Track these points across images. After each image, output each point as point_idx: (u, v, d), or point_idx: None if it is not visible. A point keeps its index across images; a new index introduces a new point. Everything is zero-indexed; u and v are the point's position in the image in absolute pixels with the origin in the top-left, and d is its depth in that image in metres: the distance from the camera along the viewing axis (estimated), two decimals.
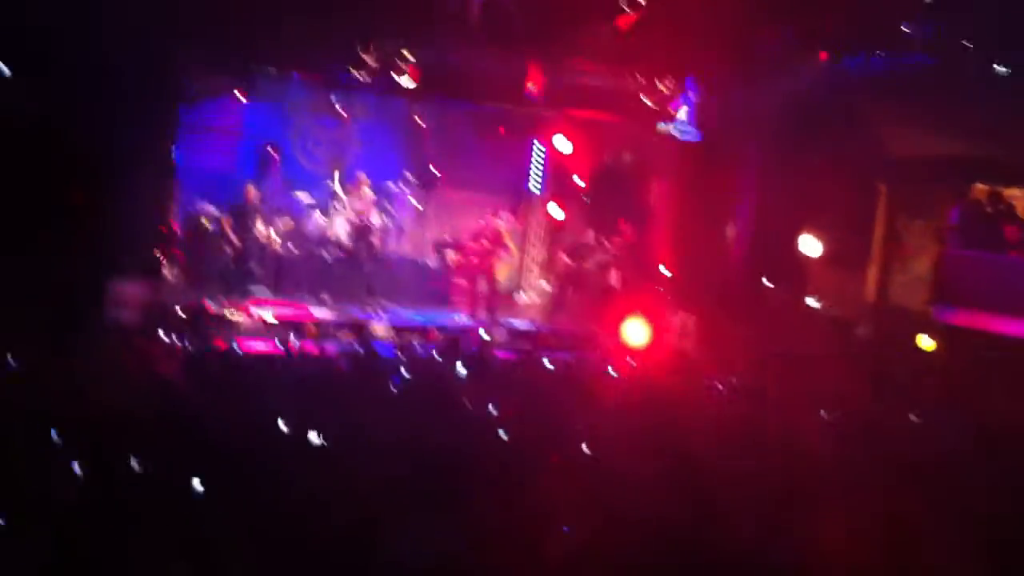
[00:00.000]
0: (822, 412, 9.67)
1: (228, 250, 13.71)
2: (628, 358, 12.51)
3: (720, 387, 11.00)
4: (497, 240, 15.48)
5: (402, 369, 10.13)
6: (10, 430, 6.61)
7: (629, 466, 6.79)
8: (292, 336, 12.77)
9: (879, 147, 15.64)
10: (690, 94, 14.21)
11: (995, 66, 12.84)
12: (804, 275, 16.80)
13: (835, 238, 16.16)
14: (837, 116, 14.80)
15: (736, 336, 15.29)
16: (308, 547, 5.21)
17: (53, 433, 6.47)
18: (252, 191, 13.95)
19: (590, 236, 16.33)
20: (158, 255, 12.90)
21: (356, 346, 11.85)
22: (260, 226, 13.95)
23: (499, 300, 15.74)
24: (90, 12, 11.29)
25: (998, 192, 14.79)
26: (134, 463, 5.98)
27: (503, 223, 15.78)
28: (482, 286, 15.41)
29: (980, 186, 15.08)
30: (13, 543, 4.89)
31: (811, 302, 16.59)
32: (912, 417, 10.34)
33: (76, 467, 5.87)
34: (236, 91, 15.71)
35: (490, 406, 8.60)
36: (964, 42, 12.83)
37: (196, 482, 5.57)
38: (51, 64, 11.33)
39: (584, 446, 7.35)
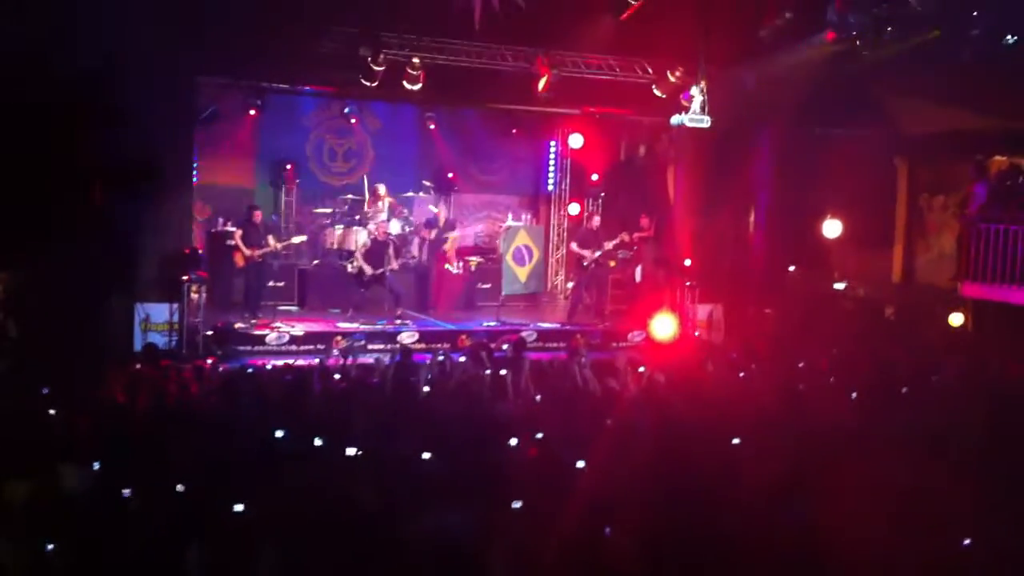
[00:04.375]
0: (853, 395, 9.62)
1: (247, 268, 13.84)
2: (656, 352, 12.50)
3: (749, 375, 10.96)
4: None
5: (432, 376, 10.14)
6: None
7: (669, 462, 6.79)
8: (320, 350, 12.84)
9: (896, 124, 15.57)
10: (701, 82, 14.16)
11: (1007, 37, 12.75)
12: (827, 258, 16.75)
13: (857, 219, 16.10)
14: (851, 95, 14.74)
15: (763, 324, 15.28)
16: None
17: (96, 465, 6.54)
18: (259, 213, 14.18)
19: (610, 233, 16.30)
20: (184, 276, 12.98)
21: (385, 357, 11.87)
22: (275, 243, 14.09)
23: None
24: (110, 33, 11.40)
25: (1017, 163, 14.70)
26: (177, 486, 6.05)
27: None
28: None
29: (999, 158, 15.00)
30: None
31: (837, 285, 16.53)
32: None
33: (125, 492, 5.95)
34: (251, 109, 15.85)
35: (523, 408, 8.63)
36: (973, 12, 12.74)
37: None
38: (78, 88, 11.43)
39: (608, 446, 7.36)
